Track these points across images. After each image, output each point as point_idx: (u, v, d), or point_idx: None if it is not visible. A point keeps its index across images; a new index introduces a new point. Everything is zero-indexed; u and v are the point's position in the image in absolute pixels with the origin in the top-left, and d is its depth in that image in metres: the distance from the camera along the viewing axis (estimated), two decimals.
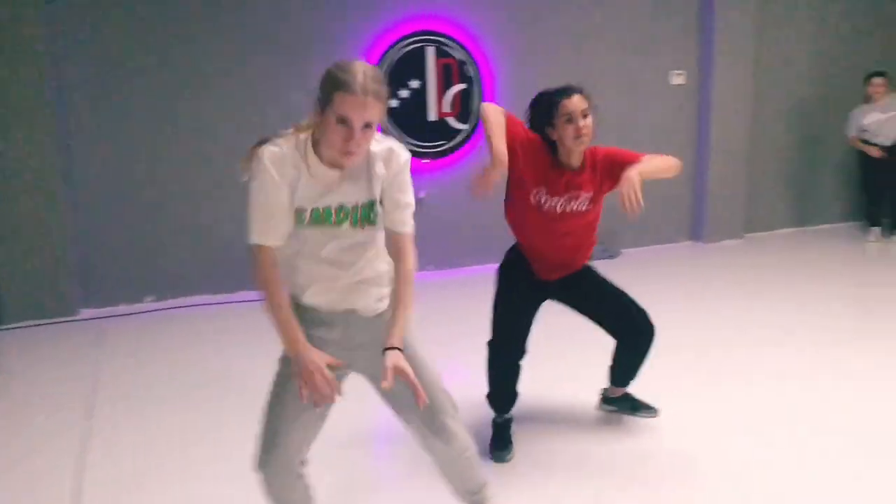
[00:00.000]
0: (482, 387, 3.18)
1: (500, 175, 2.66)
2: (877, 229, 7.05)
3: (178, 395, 3.86)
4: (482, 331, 3.13)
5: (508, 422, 3.20)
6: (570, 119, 2.76)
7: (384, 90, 1.89)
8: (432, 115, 6.03)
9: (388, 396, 2.12)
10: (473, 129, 6.21)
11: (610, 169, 2.88)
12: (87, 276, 5.37)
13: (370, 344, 2.07)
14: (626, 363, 3.20)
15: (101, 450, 3.23)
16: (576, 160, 2.88)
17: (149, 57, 5.31)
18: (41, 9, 4.93)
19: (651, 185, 6.57)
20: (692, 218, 7.22)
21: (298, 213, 1.99)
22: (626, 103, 6.72)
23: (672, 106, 6.94)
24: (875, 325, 4.77)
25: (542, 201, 2.88)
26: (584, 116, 2.78)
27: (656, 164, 2.84)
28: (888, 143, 6.81)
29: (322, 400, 1.94)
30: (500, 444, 3.11)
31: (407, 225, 2.09)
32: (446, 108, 6.09)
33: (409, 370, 1.92)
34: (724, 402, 3.63)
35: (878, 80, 6.78)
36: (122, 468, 3.06)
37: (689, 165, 7.11)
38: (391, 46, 5.84)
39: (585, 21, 6.48)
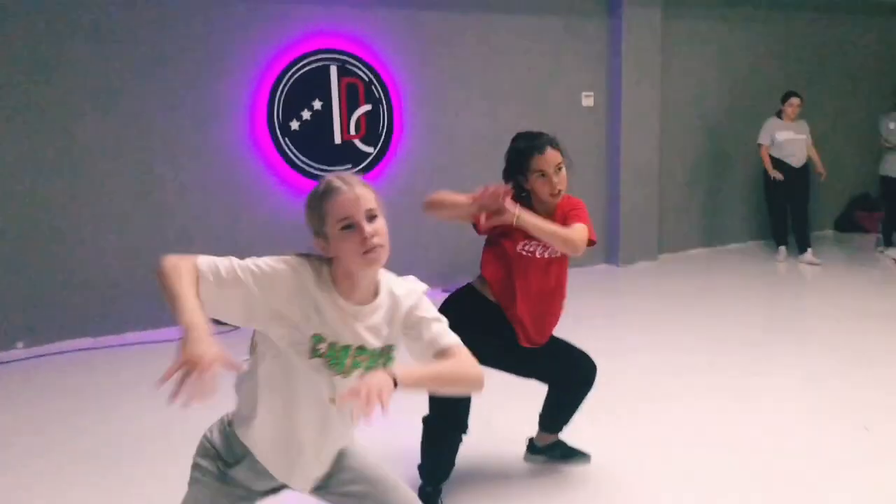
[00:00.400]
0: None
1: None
2: (783, 248, 7.15)
3: (51, 452, 3.32)
4: None
5: (440, 491, 2.86)
6: (544, 175, 2.62)
7: (366, 183, 1.75)
8: (338, 138, 5.68)
9: None
10: (382, 153, 5.90)
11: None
12: None
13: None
14: (562, 407, 2.95)
15: None
16: (551, 208, 2.70)
17: (12, 94, 4.75)
18: None
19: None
20: (607, 240, 7.13)
21: (314, 340, 1.68)
22: (536, 125, 6.55)
23: (583, 128, 6.85)
24: (784, 345, 4.74)
25: (523, 246, 2.69)
26: (559, 170, 2.63)
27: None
28: (799, 164, 6.93)
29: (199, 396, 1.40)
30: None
31: (449, 335, 1.80)
32: (352, 130, 5.74)
33: (373, 393, 1.49)
34: (642, 430, 3.50)
35: (795, 100, 6.87)
36: None
37: (603, 188, 7.04)
38: (290, 65, 5.45)
39: (496, 41, 6.31)
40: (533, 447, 3.15)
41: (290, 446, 1.76)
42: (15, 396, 4.11)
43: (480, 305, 2.75)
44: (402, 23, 5.90)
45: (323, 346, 1.67)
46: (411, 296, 1.82)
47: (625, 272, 6.91)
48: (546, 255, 2.69)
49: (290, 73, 5.46)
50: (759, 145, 6.99)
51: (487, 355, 2.50)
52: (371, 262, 1.67)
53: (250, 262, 1.64)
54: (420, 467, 2.84)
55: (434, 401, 2.75)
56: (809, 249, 6.94)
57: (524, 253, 2.68)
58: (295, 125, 5.49)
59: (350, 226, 1.65)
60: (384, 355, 1.76)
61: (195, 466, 1.81)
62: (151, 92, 5.09)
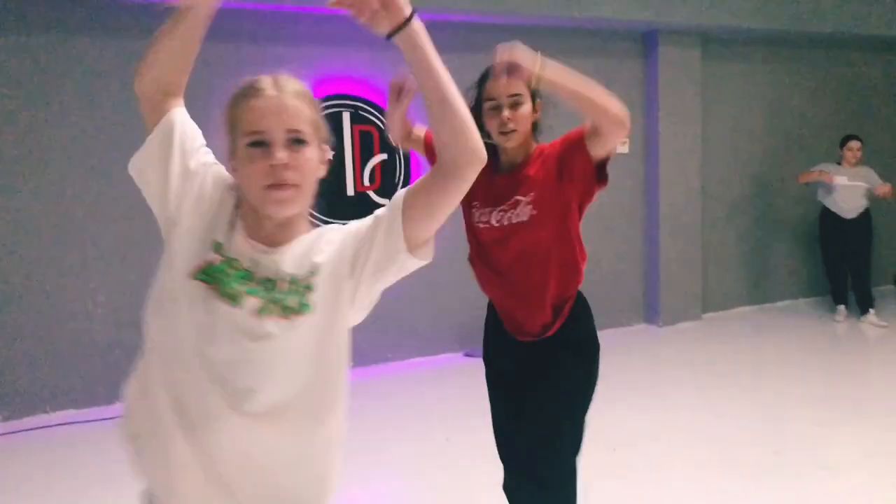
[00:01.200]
0: None
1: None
2: (842, 307, 6.49)
3: None
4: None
5: None
6: (496, 106, 2.08)
7: (309, 93, 1.34)
8: (350, 190, 5.25)
9: None
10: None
11: (560, 153, 2.11)
12: None
13: None
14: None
15: None
16: (517, 158, 2.14)
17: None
18: None
19: (601, 265, 6.03)
20: (645, 299, 6.55)
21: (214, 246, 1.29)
22: None
23: (617, 175, 6.31)
24: (850, 419, 4.13)
25: (477, 217, 2.16)
26: (514, 106, 2.05)
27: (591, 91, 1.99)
28: (850, 216, 6.31)
29: None
30: None
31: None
32: (366, 181, 5.32)
33: None
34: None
35: (855, 144, 6.26)
36: None
37: (640, 239, 6.51)
38: None
39: None
40: None
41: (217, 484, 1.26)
42: None
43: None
44: None
45: (217, 259, 1.27)
46: (341, 229, 1.37)
47: (666, 333, 6.32)
48: (503, 223, 2.11)
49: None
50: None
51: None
52: (273, 201, 1.25)
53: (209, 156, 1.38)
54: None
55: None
56: (872, 310, 6.27)
57: (479, 225, 2.16)
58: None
59: (260, 142, 1.25)
60: (297, 288, 1.28)
61: None
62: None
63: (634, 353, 5.71)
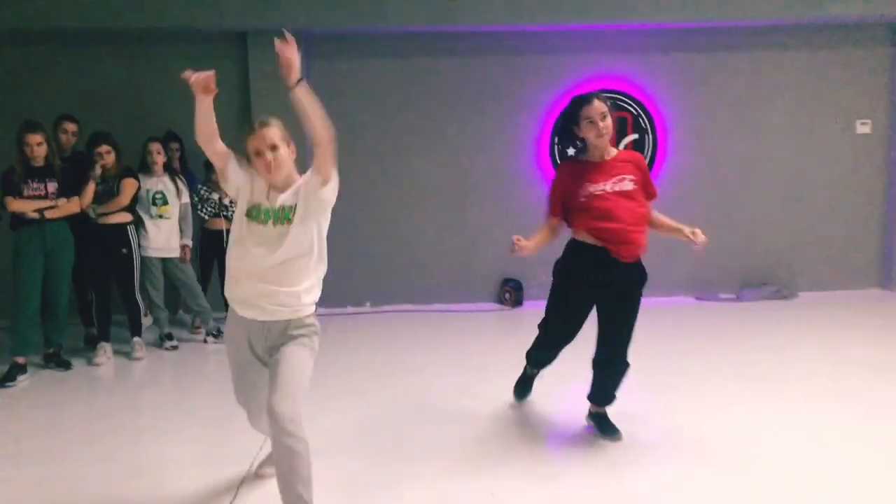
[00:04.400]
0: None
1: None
2: None
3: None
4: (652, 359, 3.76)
5: (534, 375, 4.00)
6: (592, 121, 3.32)
7: (279, 121, 2.72)
8: None
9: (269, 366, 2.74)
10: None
11: (639, 166, 3.46)
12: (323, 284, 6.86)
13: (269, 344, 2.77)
14: (598, 384, 3.62)
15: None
16: (605, 153, 3.41)
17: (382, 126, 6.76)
18: None
19: (835, 227, 6.84)
20: (881, 263, 7.12)
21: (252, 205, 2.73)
22: (806, 152, 6.96)
23: (857, 154, 7.00)
24: None
25: (594, 192, 3.35)
26: (604, 118, 3.31)
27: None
28: None
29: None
30: (523, 389, 3.96)
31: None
32: None
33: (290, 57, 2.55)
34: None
35: None
36: (317, 408, 4.16)
37: (877, 209, 7.07)
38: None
39: (765, 76, 6.88)
40: (588, 412, 3.77)
41: (249, 295, 2.70)
42: (362, 340, 5.95)
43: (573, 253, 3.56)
44: (671, 64, 6.82)
45: (254, 210, 2.69)
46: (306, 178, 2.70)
47: None
48: (615, 189, 3.39)
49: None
50: None
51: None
52: (273, 177, 2.65)
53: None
54: (527, 353, 3.89)
55: (551, 314, 3.64)
56: None
57: (596, 192, 3.40)
58: (571, 153, 6.73)
59: (259, 153, 2.65)
60: (285, 211, 2.66)
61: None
62: (466, 127, 6.78)
63: (862, 315, 6.45)
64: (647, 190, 3.46)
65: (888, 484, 3.06)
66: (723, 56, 6.85)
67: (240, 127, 6.74)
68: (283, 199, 2.67)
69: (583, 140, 3.42)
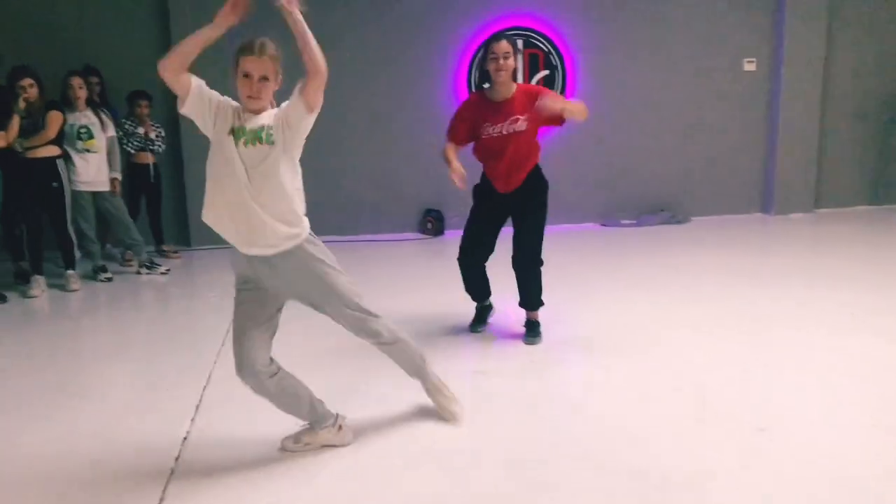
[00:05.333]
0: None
1: (460, 177, 3.66)
2: None
3: None
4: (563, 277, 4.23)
5: (486, 308, 4.31)
6: (495, 57, 3.71)
7: (278, 53, 2.63)
8: None
9: (320, 308, 2.77)
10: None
11: (532, 97, 3.75)
12: None
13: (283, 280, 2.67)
14: (520, 285, 4.07)
15: None
16: (506, 91, 3.79)
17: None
18: None
19: (723, 158, 7.51)
20: (763, 190, 7.92)
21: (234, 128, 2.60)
22: (698, 88, 7.58)
23: (744, 91, 7.68)
24: None
25: (491, 132, 3.81)
26: (506, 58, 3.69)
27: (568, 104, 3.71)
28: None
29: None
30: (477, 321, 4.27)
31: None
32: None
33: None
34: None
35: None
36: None
37: (760, 143, 7.82)
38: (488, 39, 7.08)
39: (662, 15, 7.39)
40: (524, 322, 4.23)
41: (239, 224, 2.58)
42: None
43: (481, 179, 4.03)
44: (579, 4, 7.23)
45: (236, 129, 2.58)
46: (282, 106, 2.65)
47: (777, 221, 7.66)
48: (510, 132, 3.78)
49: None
50: None
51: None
52: (250, 103, 2.59)
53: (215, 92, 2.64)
54: (467, 291, 4.22)
55: (463, 235, 4.05)
56: None
57: (494, 134, 3.82)
58: (487, 86, 7.10)
59: (247, 76, 2.58)
60: (264, 131, 2.58)
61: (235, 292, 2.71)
62: (384, 54, 7.01)
63: (746, 236, 7.22)
64: (534, 116, 3.77)
65: (752, 359, 3.68)
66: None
67: (160, 53, 6.75)
68: (263, 119, 2.62)
69: (488, 73, 3.78)
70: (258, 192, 2.55)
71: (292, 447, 2.84)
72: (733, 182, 7.85)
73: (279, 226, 2.58)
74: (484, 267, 4.19)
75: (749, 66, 7.62)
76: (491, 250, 4.09)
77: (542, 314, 4.21)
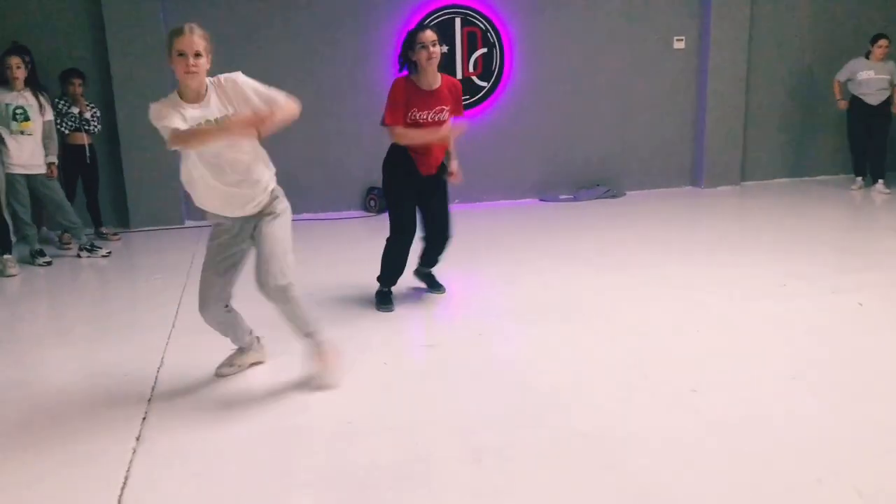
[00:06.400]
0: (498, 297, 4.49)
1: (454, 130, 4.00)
2: (860, 179, 7.90)
3: None
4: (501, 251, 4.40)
5: (390, 293, 4.44)
6: (424, 46, 3.86)
7: (206, 33, 2.92)
8: (459, 74, 7.31)
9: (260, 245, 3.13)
10: (494, 87, 7.47)
11: (455, 93, 4.08)
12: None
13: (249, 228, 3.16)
14: (431, 254, 4.44)
15: (191, 303, 4.67)
16: (434, 80, 3.97)
17: (241, 34, 6.81)
18: None
19: (655, 134, 7.79)
20: (693, 164, 8.26)
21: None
22: (630, 65, 7.82)
23: (674, 68, 7.97)
24: (849, 267, 5.06)
25: (417, 118, 3.99)
26: (434, 45, 3.87)
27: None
28: (876, 102, 7.61)
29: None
30: (386, 301, 4.35)
31: (273, 103, 2.95)
32: (471, 68, 7.37)
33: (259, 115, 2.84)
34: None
35: (884, 42, 7.48)
36: None
37: (690, 119, 8.15)
38: (425, 18, 7.15)
39: None
40: (418, 271, 4.60)
41: (219, 195, 3.05)
42: None
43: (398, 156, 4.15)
44: None
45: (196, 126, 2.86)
46: (232, 79, 2.98)
47: (705, 194, 8.02)
48: (436, 119, 4.02)
49: (424, 23, 7.15)
50: (835, 80, 7.75)
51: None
52: (190, 77, 2.85)
53: (167, 118, 2.79)
54: (380, 277, 4.36)
55: (392, 223, 4.18)
56: (881, 180, 7.66)
57: (420, 120, 4.02)
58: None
59: (182, 54, 2.83)
60: (220, 121, 2.91)
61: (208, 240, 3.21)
62: (318, 39, 7.00)
63: (676, 207, 7.54)
64: (456, 112, 4.11)
65: (683, 322, 3.94)
66: None
67: (90, 29, 6.64)
68: (218, 110, 2.93)
69: (415, 63, 3.95)
70: (242, 169, 3.02)
71: (228, 371, 3.43)
72: (666, 157, 8.16)
73: (260, 186, 3.11)
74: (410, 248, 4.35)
75: (679, 44, 7.90)
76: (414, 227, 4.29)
77: (484, 284, 4.41)
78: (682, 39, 7.89)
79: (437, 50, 3.88)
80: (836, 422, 2.85)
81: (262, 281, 3.08)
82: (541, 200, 7.80)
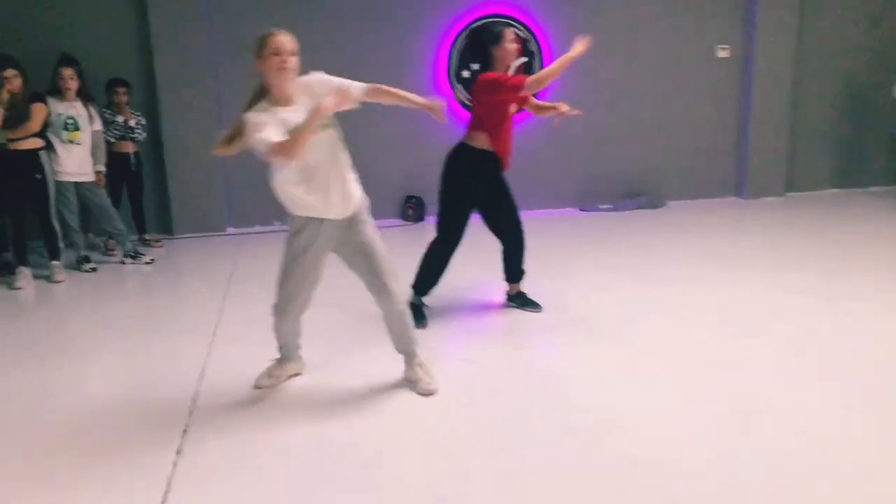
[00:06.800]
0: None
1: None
2: None
3: None
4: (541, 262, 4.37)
5: (423, 305, 4.35)
6: (512, 45, 4.15)
7: (294, 39, 3.03)
8: None
9: (351, 265, 3.24)
10: (534, 96, 7.40)
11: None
12: (232, 205, 7.07)
13: (340, 235, 3.17)
14: (513, 261, 4.39)
15: (233, 312, 4.74)
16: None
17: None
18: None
19: (697, 143, 7.66)
20: (737, 175, 8.10)
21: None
22: (672, 75, 7.71)
23: (717, 76, 7.84)
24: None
25: (510, 111, 4.17)
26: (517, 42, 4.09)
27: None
28: None
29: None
30: (419, 317, 4.16)
31: (353, 86, 3.14)
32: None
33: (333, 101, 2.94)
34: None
35: None
36: (249, 322, 4.55)
37: (733, 128, 8.00)
38: (465, 27, 7.14)
39: (635, 3, 7.50)
40: (508, 295, 4.55)
41: (318, 195, 3.07)
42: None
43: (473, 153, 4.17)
44: None
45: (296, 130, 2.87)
46: (317, 77, 3.13)
47: (749, 205, 7.86)
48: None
49: (463, 34, 7.16)
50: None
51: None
52: (283, 74, 2.93)
53: (266, 130, 2.82)
54: (415, 286, 4.26)
55: (442, 226, 4.17)
56: None
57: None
58: (466, 74, 7.19)
59: (277, 53, 2.92)
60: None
61: (288, 246, 3.18)
62: (365, 45, 7.03)
63: (719, 219, 7.41)
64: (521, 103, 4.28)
65: (728, 341, 3.86)
66: None
67: (138, 41, 6.77)
68: (308, 112, 2.90)
69: (493, 58, 4.10)
70: (341, 167, 3.12)
71: (267, 382, 3.42)
72: (708, 167, 8.03)
73: (352, 183, 3.17)
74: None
75: (723, 53, 7.76)
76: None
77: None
78: (726, 48, 7.75)
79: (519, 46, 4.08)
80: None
81: (386, 296, 3.24)
82: (580, 210, 7.73)
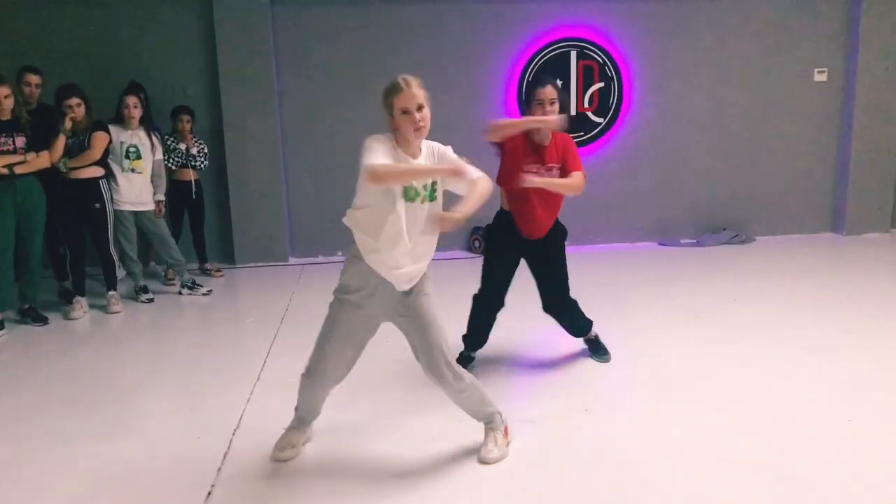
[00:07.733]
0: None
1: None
2: None
3: None
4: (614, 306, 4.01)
5: (473, 357, 4.06)
6: (541, 104, 3.58)
7: (420, 81, 2.78)
8: (573, 110, 6.91)
9: (407, 336, 2.92)
10: (611, 123, 7.00)
11: (562, 151, 3.68)
12: (295, 234, 6.90)
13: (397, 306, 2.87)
14: (563, 325, 4.05)
15: (279, 353, 4.49)
16: (546, 137, 3.66)
17: (350, 72, 6.71)
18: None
19: (790, 174, 7.06)
20: (833, 208, 7.43)
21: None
22: (764, 101, 7.15)
23: (814, 102, 7.22)
24: None
25: (528, 168, 3.69)
26: (552, 104, 3.57)
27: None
28: None
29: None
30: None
31: (469, 172, 2.78)
32: (586, 103, 6.94)
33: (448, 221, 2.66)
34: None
35: None
36: (291, 370, 4.29)
37: (831, 158, 7.35)
38: (537, 52, 6.80)
39: (726, 24, 7.00)
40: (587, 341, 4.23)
41: (392, 260, 2.75)
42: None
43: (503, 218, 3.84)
44: (636, 13, 6.89)
45: (411, 190, 2.72)
46: (441, 148, 2.88)
47: (850, 241, 7.18)
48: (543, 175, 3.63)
49: (537, 59, 6.81)
50: None
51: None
52: (418, 134, 2.72)
53: (377, 151, 2.64)
54: (464, 337, 4.00)
55: (483, 280, 3.88)
56: None
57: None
58: None
59: (406, 112, 2.68)
60: (432, 186, 2.78)
61: (337, 300, 2.87)
62: (431, 77, 6.77)
63: (814, 258, 6.76)
64: (573, 167, 3.68)
65: (837, 412, 3.34)
66: (685, 5, 6.94)
67: (204, 71, 6.75)
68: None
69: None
70: (426, 247, 2.82)
71: (291, 454, 3.03)
72: (802, 199, 7.40)
73: (427, 261, 2.88)
74: (496, 316, 3.99)
75: (820, 77, 7.16)
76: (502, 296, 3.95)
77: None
78: (823, 71, 7.15)
79: (556, 109, 3.59)
80: None
81: (438, 381, 2.91)
82: (660, 244, 7.23)
